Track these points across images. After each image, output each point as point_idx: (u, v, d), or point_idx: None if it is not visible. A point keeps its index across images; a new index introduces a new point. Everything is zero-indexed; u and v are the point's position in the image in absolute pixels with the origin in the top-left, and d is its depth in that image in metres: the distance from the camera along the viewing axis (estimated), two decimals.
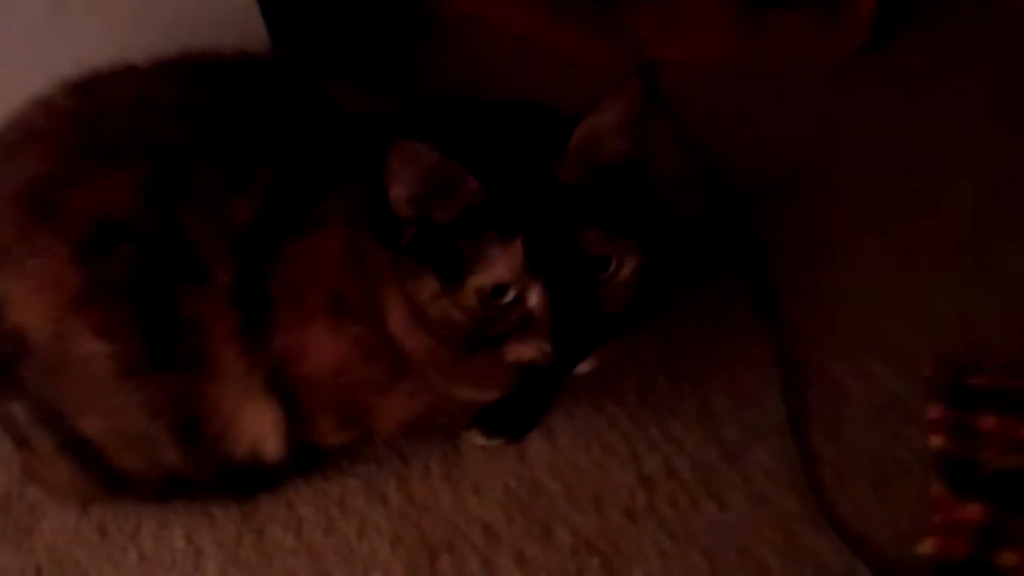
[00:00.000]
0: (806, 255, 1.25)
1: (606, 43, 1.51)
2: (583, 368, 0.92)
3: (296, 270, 0.94)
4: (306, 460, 1.06)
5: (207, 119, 0.96)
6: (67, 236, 0.93)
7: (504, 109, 0.95)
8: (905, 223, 1.26)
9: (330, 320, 0.94)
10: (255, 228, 0.93)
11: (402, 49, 1.56)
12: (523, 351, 0.91)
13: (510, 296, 0.88)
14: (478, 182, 0.86)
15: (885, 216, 1.27)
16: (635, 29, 1.52)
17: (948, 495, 1.01)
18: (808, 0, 1.49)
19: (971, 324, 1.15)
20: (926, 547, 0.98)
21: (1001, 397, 1.08)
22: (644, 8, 1.53)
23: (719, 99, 1.45)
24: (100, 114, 0.97)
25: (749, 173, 1.34)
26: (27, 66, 1.04)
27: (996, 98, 1.40)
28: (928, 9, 1.52)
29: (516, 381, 1.01)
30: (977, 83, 1.44)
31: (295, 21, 1.39)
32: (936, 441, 1.05)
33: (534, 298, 0.88)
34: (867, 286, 1.21)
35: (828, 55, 1.49)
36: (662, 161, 0.97)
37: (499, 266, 0.86)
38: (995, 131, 1.36)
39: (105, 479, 1.02)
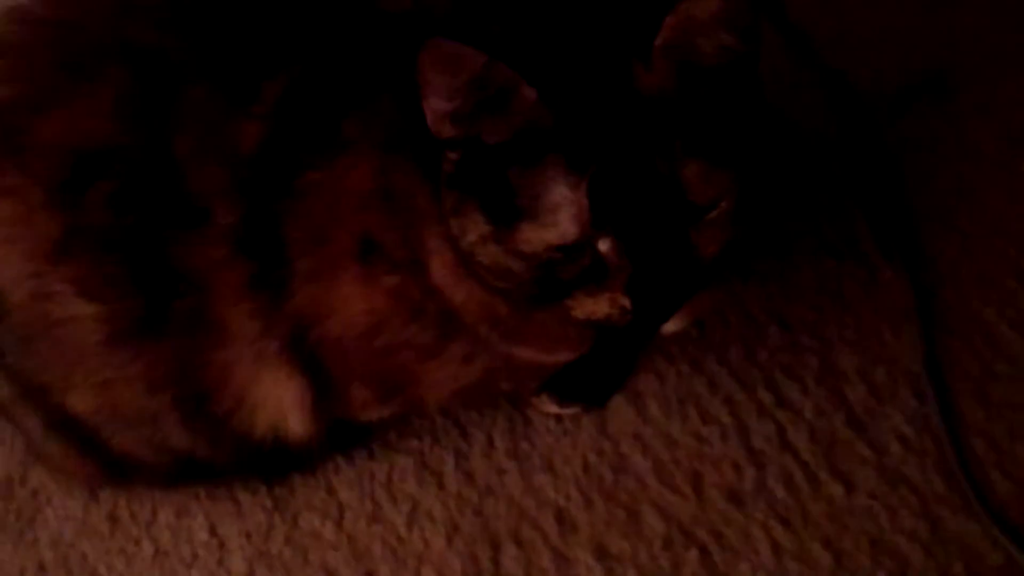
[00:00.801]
0: (946, 175, 1.09)
1: None
2: (671, 327, 0.76)
3: (316, 208, 0.80)
4: (343, 437, 0.93)
5: (204, 20, 0.83)
6: (38, 174, 0.80)
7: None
8: None
9: (359, 269, 0.81)
10: (264, 156, 0.80)
11: None
12: (594, 306, 0.75)
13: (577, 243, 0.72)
14: (536, 93, 0.69)
15: None
16: None
17: None
18: None
19: None
20: None
21: None
22: None
23: None
24: (77, 21, 0.83)
25: (880, 75, 1.17)
26: None
27: None
28: None
29: (593, 339, 0.86)
30: None
31: None
32: None
33: (606, 245, 0.72)
34: (1022, 214, 1.05)
35: None
36: (771, 64, 0.81)
37: (563, 215, 0.70)
38: None
39: (104, 463, 0.91)
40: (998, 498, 0.88)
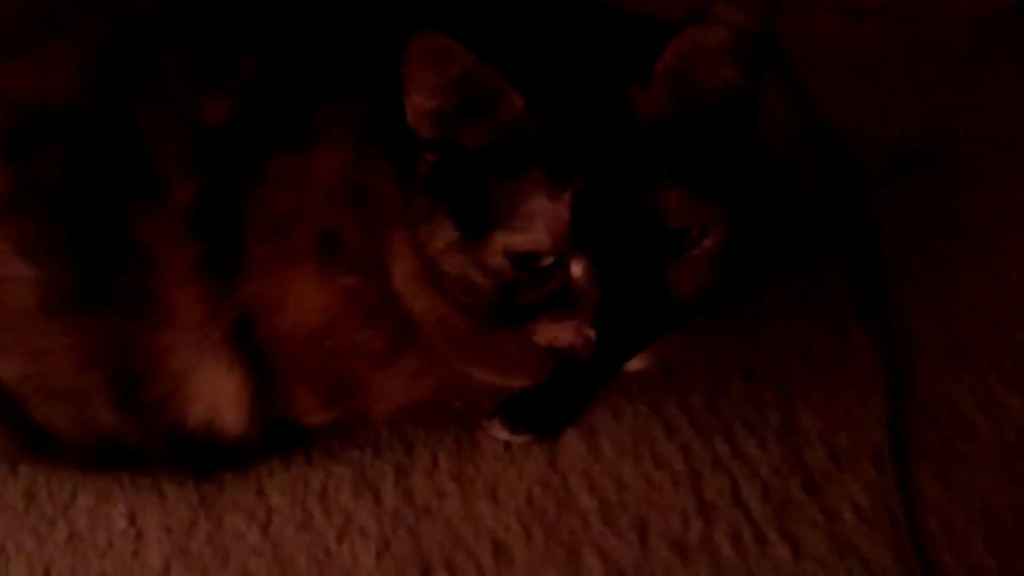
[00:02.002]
0: (929, 246, 1.09)
1: None
2: (635, 365, 0.74)
3: (280, 195, 0.78)
4: (281, 439, 0.90)
5: None
6: None
7: (577, 12, 0.76)
8: None
9: (318, 265, 0.78)
10: (231, 134, 0.78)
11: None
12: (558, 333, 0.72)
13: (550, 259, 0.69)
14: (524, 100, 0.67)
15: None
16: None
17: None
18: None
19: None
20: None
21: None
22: None
23: (845, 47, 1.30)
24: None
25: (872, 139, 1.19)
26: None
27: None
28: None
29: (552, 367, 0.84)
30: None
31: None
32: None
33: (578, 269, 0.69)
34: (1002, 292, 1.05)
35: (977, 5, 1.35)
36: (765, 114, 0.81)
37: (538, 226, 0.68)
38: None
39: (25, 437, 0.87)
40: None
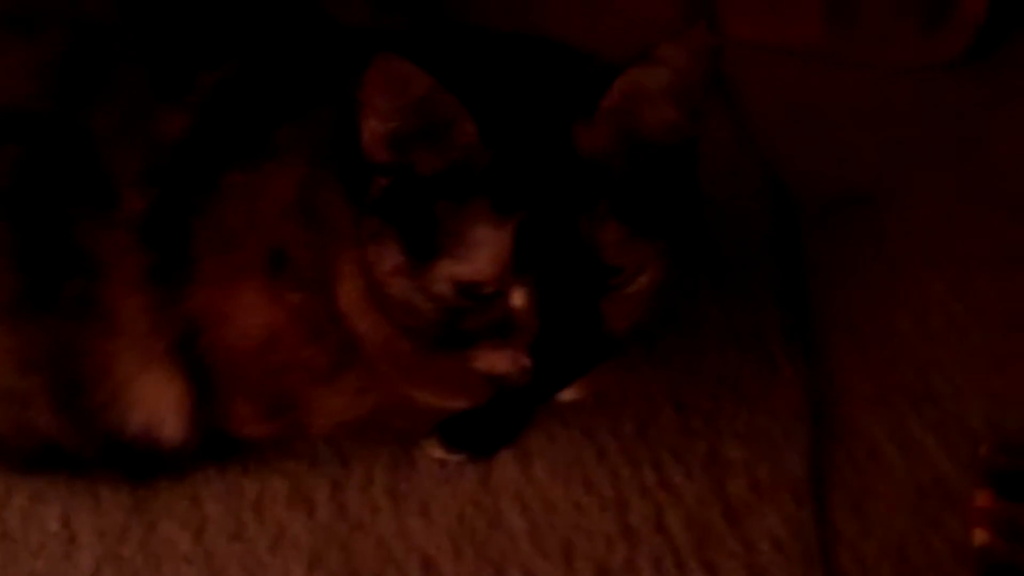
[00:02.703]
0: (859, 288, 1.13)
1: (679, 8, 1.42)
2: (568, 395, 0.77)
3: (232, 211, 0.79)
4: (219, 448, 0.91)
5: (155, 2, 0.83)
6: None
7: (528, 47, 0.79)
8: (983, 271, 1.16)
9: (265, 280, 0.80)
10: (186, 148, 0.79)
11: None
12: (496, 361, 0.75)
13: (491, 288, 0.72)
14: (477, 129, 0.69)
15: (961, 258, 1.17)
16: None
17: None
18: None
19: None
20: None
21: None
22: None
23: (789, 92, 1.35)
24: None
25: (810, 182, 1.23)
26: None
27: None
28: None
29: (493, 391, 0.86)
30: None
31: None
32: (980, 536, 0.94)
33: (520, 299, 0.72)
34: (926, 336, 1.10)
35: (924, 57, 1.41)
36: (711, 151, 0.84)
37: (482, 254, 0.70)
38: None
39: None
40: None
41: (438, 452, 0.95)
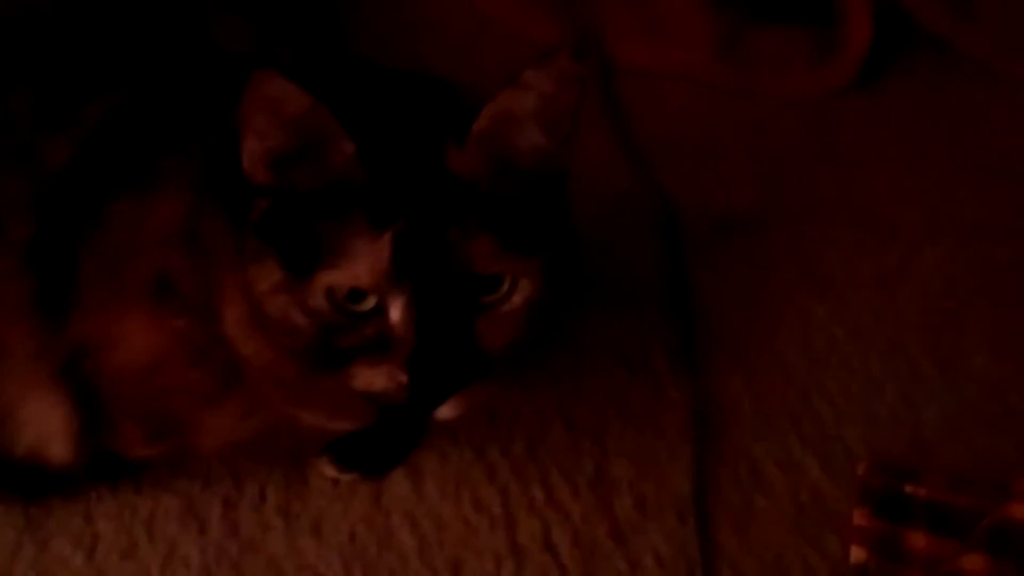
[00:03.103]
0: (743, 310, 1.16)
1: (565, 32, 1.44)
2: (445, 413, 0.78)
3: (116, 237, 0.80)
4: (109, 468, 0.91)
5: (40, 31, 0.84)
6: None
7: (407, 78, 0.81)
8: (861, 293, 1.18)
9: (150, 306, 0.80)
10: (70, 177, 0.79)
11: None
12: (373, 378, 0.76)
13: (369, 304, 0.74)
14: (355, 146, 0.71)
15: (840, 281, 1.20)
16: (603, 24, 1.46)
17: None
18: (798, 22, 1.46)
19: (919, 424, 1.06)
20: None
21: (938, 513, 0.98)
22: (617, 3, 1.47)
23: (681, 117, 1.38)
24: None
25: (698, 205, 1.26)
26: None
27: (984, 161, 1.35)
28: (919, 54, 1.48)
29: (377, 412, 0.87)
30: (967, 139, 1.39)
31: None
32: (857, 554, 0.95)
33: (396, 312, 0.74)
34: (807, 358, 1.12)
35: (812, 86, 1.44)
36: (600, 175, 0.86)
37: (360, 263, 0.72)
38: (978, 202, 1.30)
39: None
40: None
41: (330, 471, 0.96)
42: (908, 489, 0.99)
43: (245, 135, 0.72)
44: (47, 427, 0.84)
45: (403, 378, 0.74)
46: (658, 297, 1.13)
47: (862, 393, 1.08)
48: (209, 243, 0.78)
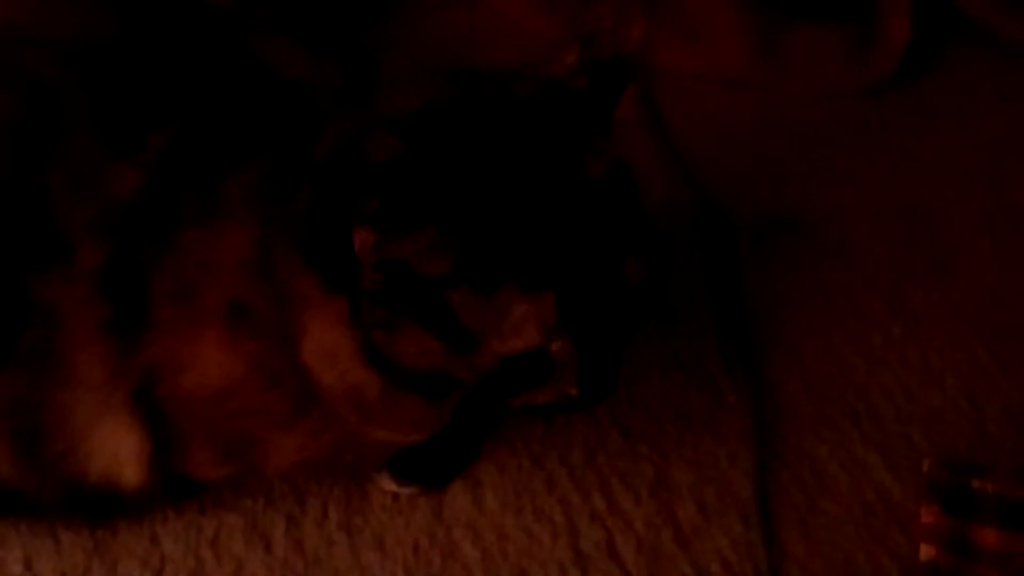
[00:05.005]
0: (797, 311, 1.17)
1: (608, 38, 1.42)
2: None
3: (187, 263, 0.81)
4: (176, 490, 0.92)
5: (102, 59, 0.84)
6: None
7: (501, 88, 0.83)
8: (915, 287, 1.19)
9: (223, 330, 0.82)
10: (140, 203, 0.81)
11: (369, 12, 1.47)
12: (537, 396, 0.82)
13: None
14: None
15: (894, 276, 1.21)
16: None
17: None
18: (835, 19, 1.45)
19: (982, 417, 1.07)
20: None
21: (1007, 508, 0.99)
22: (652, 7, 1.41)
23: (721, 120, 1.38)
24: None
25: (745, 208, 1.26)
26: None
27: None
28: (961, 45, 1.47)
29: (447, 422, 0.90)
30: (1014, 130, 1.38)
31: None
32: (927, 552, 0.96)
33: (558, 346, 0.78)
34: (865, 356, 1.13)
35: (851, 84, 1.44)
36: (644, 181, 0.88)
37: (529, 329, 0.77)
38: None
39: None
40: None
41: (391, 486, 0.97)
42: (976, 484, 1.00)
43: (357, 230, 0.74)
44: (120, 453, 0.85)
45: (573, 392, 0.79)
46: (711, 300, 1.14)
47: (922, 389, 1.09)
48: (285, 276, 0.81)
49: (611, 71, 0.81)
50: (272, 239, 0.80)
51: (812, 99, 1.42)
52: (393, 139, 0.74)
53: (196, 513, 0.96)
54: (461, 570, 0.94)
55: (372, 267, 0.76)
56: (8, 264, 0.79)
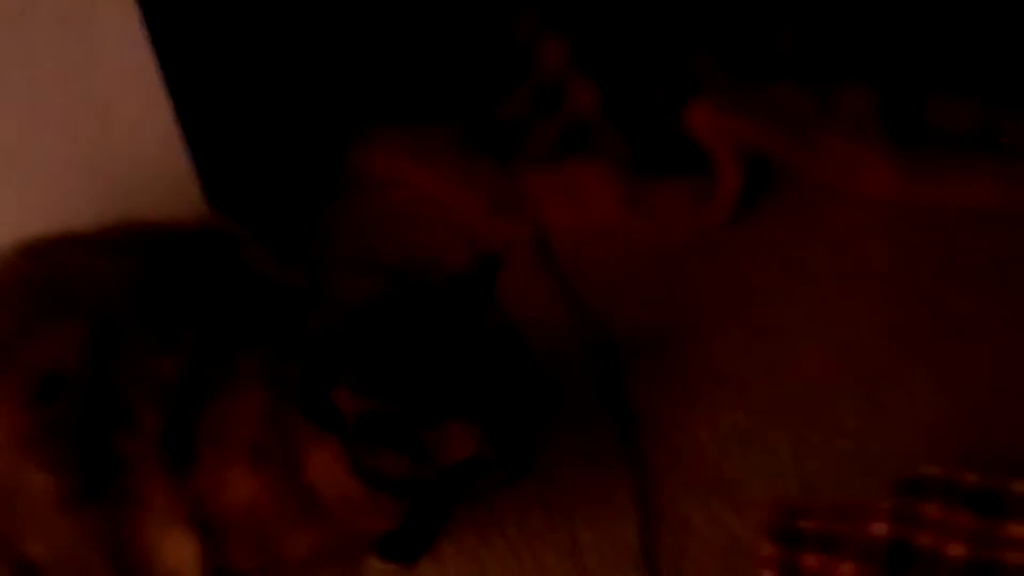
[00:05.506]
0: (667, 407, 1.39)
1: (508, 207, 1.68)
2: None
3: (220, 422, 1.06)
4: None
5: (141, 286, 1.10)
6: (18, 386, 1.06)
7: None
8: (756, 382, 1.41)
9: (248, 465, 1.07)
10: (182, 382, 1.06)
11: (314, 206, 1.69)
12: (478, 483, 1.10)
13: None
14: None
15: (739, 374, 1.42)
16: (534, 196, 1.68)
17: None
18: (684, 174, 1.66)
19: (806, 473, 1.30)
20: None
21: (825, 538, 1.20)
22: (543, 177, 1.69)
23: (604, 262, 1.59)
24: (50, 278, 1.12)
25: (624, 330, 1.48)
26: None
27: (839, 270, 1.56)
28: (784, 188, 1.68)
29: (405, 512, 1.17)
30: (826, 254, 1.59)
31: (226, 184, 1.53)
32: None
33: (486, 450, 1.06)
34: (718, 437, 1.35)
35: (700, 225, 1.63)
36: (548, 316, 1.22)
37: (468, 445, 1.05)
38: (840, 300, 1.51)
39: None
40: None
41: (378, 564, 1.24)
42: (802, 523, 1.20)
43: (335, 391, 1.01)
44: (181, 557, 1.09)
45: (501, 475, 1.07)
46: (601, 401, 1.38)
47: (761, 457, 1.31)
48: (289, 425, 1.05)
49: (488, 265, 1.09)
50: (278, 399, 1.04)
51: (675, 238, 1.61)
52: (348, 327, 1.04)
53: None
54: None
55: (353, 414, 1.01)
56: (96, 433, 1.05)
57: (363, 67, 1.81)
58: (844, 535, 1.21)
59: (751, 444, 1.35)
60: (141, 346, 1.08)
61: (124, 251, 1.14)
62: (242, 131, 1.66)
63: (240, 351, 1.08)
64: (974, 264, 1.53)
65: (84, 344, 1.07)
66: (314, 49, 1.76)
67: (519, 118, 1.76)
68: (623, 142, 1.70)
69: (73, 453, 1.06)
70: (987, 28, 1.69)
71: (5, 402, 1.07)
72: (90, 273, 1.11)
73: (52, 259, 1.14)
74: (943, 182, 1.61)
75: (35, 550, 1.10)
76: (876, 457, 1.31)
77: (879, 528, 1.19)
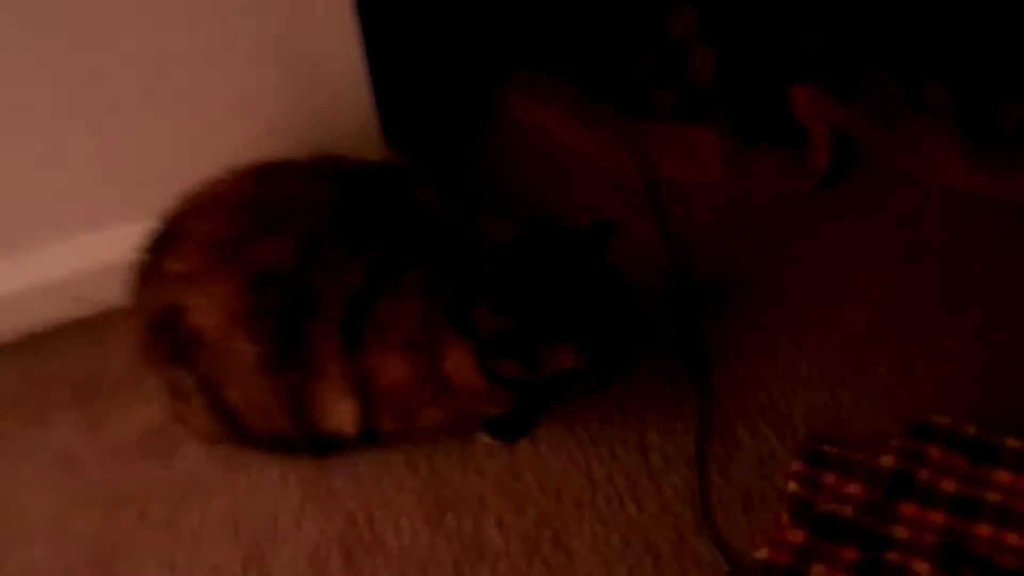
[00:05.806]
0: (736, 346, 1.55)
1: (627, 156, 1.82)
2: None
3: (385, 320, 1.29)
4: (370, 438, 1.39)
5: (338, 209, 1.34)
6: (240, 275, 1.30)
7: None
8: (811, 331, 1.56)
9: (402, 354, 1.29)
10: (361, 287, 1.29)
11: (465, 138, 1.84)
12: (575, 387, 1.32)
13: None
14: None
15: (800, 323, 1.57)
16: (649, 148, 1.82)
17: (786, 522, 1.34)
18: (782, 143, 1.78)
19: (840, 410, 1.48)
20: (761, 554, 1.32)
21: (842, 462, 1.39)
22: (659, 133, 1.83)
23: (701, 214, 1.72)
24: (272, 197, 1.35)
25: (710, 275, 1.62)
26: (211, 157, 1.41)
27: (900, 243, 1.69)
28: (865, 167, 1.80)
29: (514, 402, 1.38)
30: (892, 229, 1.72)
31: (400, 125, 1.70)
32: (792, 486, 1.37)
33: (584, 364, 1.28)
34: (774, 374, 1.52)
35: (789, 191, 1.75)
36: (648, 256, 1.42)
37: (568, 360, 1.27)
38: (894, 269, 1.65)
39: (236, 431, 1.39)
40: (718, 527, 1.35)
41: (486, 439, 1.44)
42: (827, 448, 1.39)
43: (477, 309, 1.22)
44: (344, 416, 1.33)
45: (593, 385, 1.29)
46: (682, 336, 1.55)
47: (806, 393, 1.48)
48: (436, 328, 1.26)
49: (605, 228, 1.32)
50: (431, 309, 1.25)
51: (765, 199, 1.74)
52: (493, 264, 1.30)
53: (377, 453, 1.41)
54: (524, 487, 1.40)
55: (487, 329, 1.20)
56: (294, 317, 1.28)
57: (517, 19, 1.95)
58: (858, 461, 1.39)
59: (799, 382, 1.51)
60: (334, 257, 1.29)
61: (326, 179, 1.36)
62: (411, 76, 1.83)
63: (407, 270, 1.29)
64: (1019, 255, 1.66)
65: (293, 251, 1.29)
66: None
67: (645, 79, 1.90)
68: (731, 109, 1.81)
69: (274, 331, 1.29)
70: None
71: (228, 288, 1.30)
72: (300, 196, 1.34)
73: (273, 182, 1.37)
74: (1006, 178, 1.73)
75: (235, 397, 1.33)
76: (900, 404, 1.47)
77: (887, 460, 1.38)
